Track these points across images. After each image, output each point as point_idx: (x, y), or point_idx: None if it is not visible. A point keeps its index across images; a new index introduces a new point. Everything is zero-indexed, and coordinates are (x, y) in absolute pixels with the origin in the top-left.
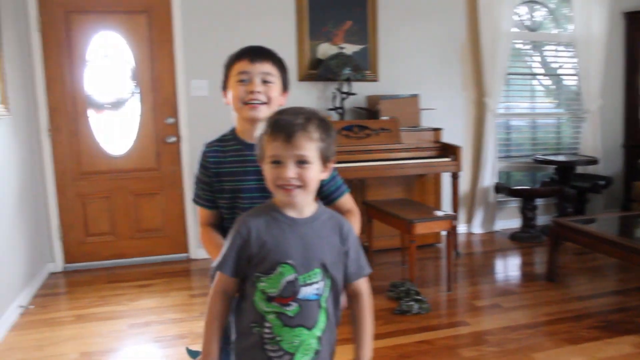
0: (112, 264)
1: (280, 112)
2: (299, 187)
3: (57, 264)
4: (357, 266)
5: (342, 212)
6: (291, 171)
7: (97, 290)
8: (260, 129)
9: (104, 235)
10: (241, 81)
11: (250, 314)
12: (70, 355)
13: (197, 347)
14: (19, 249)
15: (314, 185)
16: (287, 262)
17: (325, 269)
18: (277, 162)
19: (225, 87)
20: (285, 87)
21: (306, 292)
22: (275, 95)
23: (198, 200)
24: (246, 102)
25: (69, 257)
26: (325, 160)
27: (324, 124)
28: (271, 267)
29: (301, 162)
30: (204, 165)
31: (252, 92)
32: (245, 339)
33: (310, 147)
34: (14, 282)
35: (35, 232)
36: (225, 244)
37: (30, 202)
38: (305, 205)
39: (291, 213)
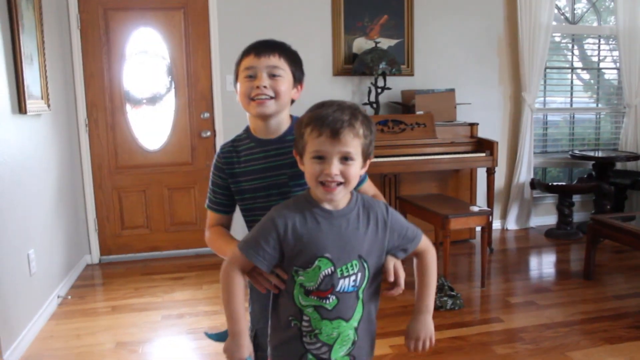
0: (147, 257)
1: (322, 106)
2: (341, 183)
3: (94, 255)
4: (409, 238)
5: None
6: (335, 167)
7: (132, 282)
8: (300, 122)
9: (139, 228)
10: (248, 77)
11: (288, 308)
12: (107, 345)
13: (215, 331)
14: (57, 240)
15: (355, 182)
16: (325, 256)
17: (363, 260)
18: (320, 158)
19: (236, 85)
20: (297, 80)
21: (344, 284)
22: (284, 89)
23: (210, 205)
24: (252, 98)
25: (104, 250)
26: (366, 156)
27: (367, 120)
28: (309, 261)
29: (345, 158)
30: (218, 167)
31: (258, 87)
32: (283, 332)
33: (356, 143)
34: (53, 273)
35: (73, 225)
36: (257, 229)
37: (69, 195)
38: (342, 199)
39: (327, 206)
